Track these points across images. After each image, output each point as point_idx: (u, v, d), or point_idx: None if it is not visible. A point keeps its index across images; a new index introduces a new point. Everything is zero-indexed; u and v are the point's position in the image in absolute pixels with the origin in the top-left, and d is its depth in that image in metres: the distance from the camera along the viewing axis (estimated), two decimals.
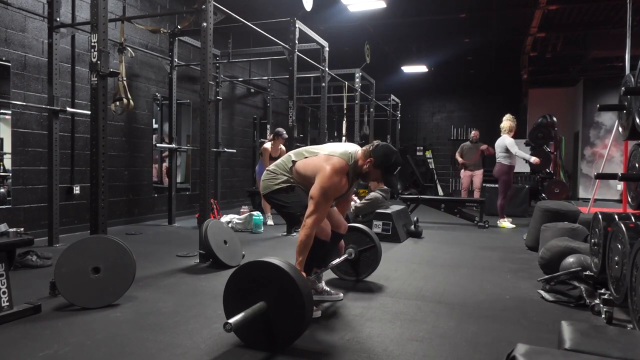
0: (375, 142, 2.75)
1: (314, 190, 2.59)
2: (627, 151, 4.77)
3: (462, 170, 8.55)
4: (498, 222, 6.95)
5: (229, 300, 2.26)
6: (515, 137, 7.04)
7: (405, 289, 3.35)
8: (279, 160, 2.90)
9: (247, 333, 2.20)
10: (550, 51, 11.47)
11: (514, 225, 6.84)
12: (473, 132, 8.85)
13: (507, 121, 6.98)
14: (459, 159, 8.48)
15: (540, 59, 12.10)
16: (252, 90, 9.43)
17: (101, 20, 3.25)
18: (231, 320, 1.95)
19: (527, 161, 7.09)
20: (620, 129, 3.08)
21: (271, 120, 9.53)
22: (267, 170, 2.89)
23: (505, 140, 6.80)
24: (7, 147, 4.91)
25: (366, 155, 2.70)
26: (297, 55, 5.78)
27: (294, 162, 2.79)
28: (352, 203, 5.68)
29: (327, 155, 2.70)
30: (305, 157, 2.77)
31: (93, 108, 3.26)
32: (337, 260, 3.13)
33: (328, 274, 3.60)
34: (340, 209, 3.07)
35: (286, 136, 6.31)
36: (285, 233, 5.66)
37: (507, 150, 6.74)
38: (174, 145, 6.53)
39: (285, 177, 2.78)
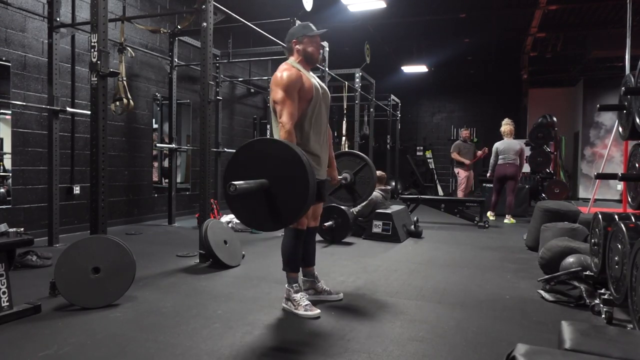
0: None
1: (274, 92, 2.63)
2: (627, 151, 4.77)
3: (460, 170, 8.57)
4: (507, 219, 7.30)
5: (231, 177, 2.17)
6: (514, 137, 7.36)
7: (405, 289, 3.35)
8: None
9: (249, 212, 2.16)
10: (550, 51, 11.47)
11: (514, 220, 7.34)
12: (465, 131, 9.00)
13: (508, 125, 7.45)
14: (464, 160, 8.50)
15: (540, 59, 12.10)
16: (252, 90, 9.43)
17: (101, 20, 3.25)
18: (235, 182, 1.90)
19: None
20: (620, 129, 3.08)
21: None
22: None
23: (522, 145, 7.38)
24: (7, 147, 4.92)
25: (289, 48, 2.82)
26: None
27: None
28: (353, 209, 5.67)
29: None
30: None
31: (93, 108, 3.26)
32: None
33: (327, 274, 3.60)
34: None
35: None
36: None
37: (517, 154, 7.25)
38: (174, 145, 6.53)
39: None
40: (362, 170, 3.52)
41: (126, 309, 2.75)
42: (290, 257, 2.79)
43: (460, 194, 8.53)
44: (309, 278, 3.00)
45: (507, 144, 7.31)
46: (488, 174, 7.73)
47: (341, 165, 3.48)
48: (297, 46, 2.78)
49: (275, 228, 2.16)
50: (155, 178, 7.83)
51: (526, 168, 9.48)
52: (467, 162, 8.47)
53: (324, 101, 2.83)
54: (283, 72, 2.65)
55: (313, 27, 2.82)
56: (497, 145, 7.40)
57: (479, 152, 8.63)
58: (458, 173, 8.62)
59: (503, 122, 7.53)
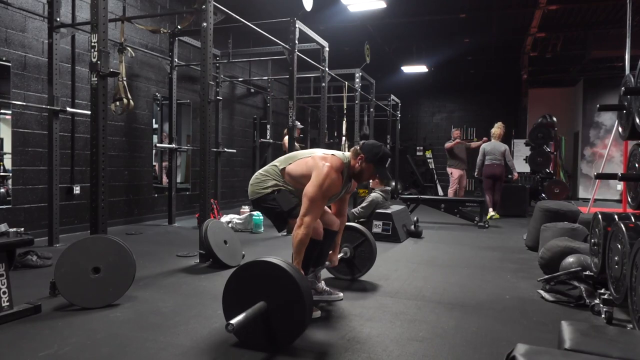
0: (361, 142, 2.79)
1: (311, 187, 2.58)
2: (627, 151, 4.76)
3: (453, 170, 8.59)
4: (491, 214, 7.57)
5: (228, 300, 2.25)
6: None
7: (405, 289, 3.35)
8: (267, 166, 2.89)
9: (247, 333, 2.20)
10: (550, 51, 11.48)
11: (497, 215, 7.69)
12: (456, 131, 9.31)
13: (499, 129, 7.91)
14: (455, 142, 8.67)
15: (540, 59, 12.11)
16: (252, 90, 9.43)
17: (101, 20, 3.25)
18: (233, 321, 1.94)
19: (512, 171, 7.90)
20: (620, 129, 3.08)
21: (271, 120, 9.53)
22: (255, 176, 2.88)
23: (505, 147, 7.77)
24: (7, 147, 4.92)
25: (356, 153, 2.75)
26: (297, 55, 5.78)
27: (283, 168, 2.78)
28: (354, 210, 5.68)
29: (323, 155, 2.72)
30: (297, 159, 2.78)
31: (93, 108, 3.26)
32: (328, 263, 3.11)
33: (328, 274, 3.60)
34: (337, 210, 3.06)
35: (301, 126, 6.82)
36: (285, 233, 5.65)
37: (502, 155, 7.66)
38: (174, 145, 6.53)
39: (274, 182, 2.78)
40: (363, 245, 3.49)
41: (126, 309, 2.75)
42: (300, 263, 2.74)
43: (450, 193, 8.52)
44: (311, 278, 3.00)
45: (493, 146, 7.75)
46: (476, 173, 8.02)
47: (341, 238, 3.35)
48: (362, 162, 2.72)
49: (271, 350, 2.18)
50: (163, 177, 7.89)
51: (525, 168, 9.51)
52: (462, 142, 8.70)
53: (339, 195, 2.84)
54: (331, 173, 2.60)
55: (385, 166, 2.81)
56: (484, 146, 7.88)
57: (479, 142, 8.76)
58: (451, 173, 8.64)
59: (496, 125, 7.94)
